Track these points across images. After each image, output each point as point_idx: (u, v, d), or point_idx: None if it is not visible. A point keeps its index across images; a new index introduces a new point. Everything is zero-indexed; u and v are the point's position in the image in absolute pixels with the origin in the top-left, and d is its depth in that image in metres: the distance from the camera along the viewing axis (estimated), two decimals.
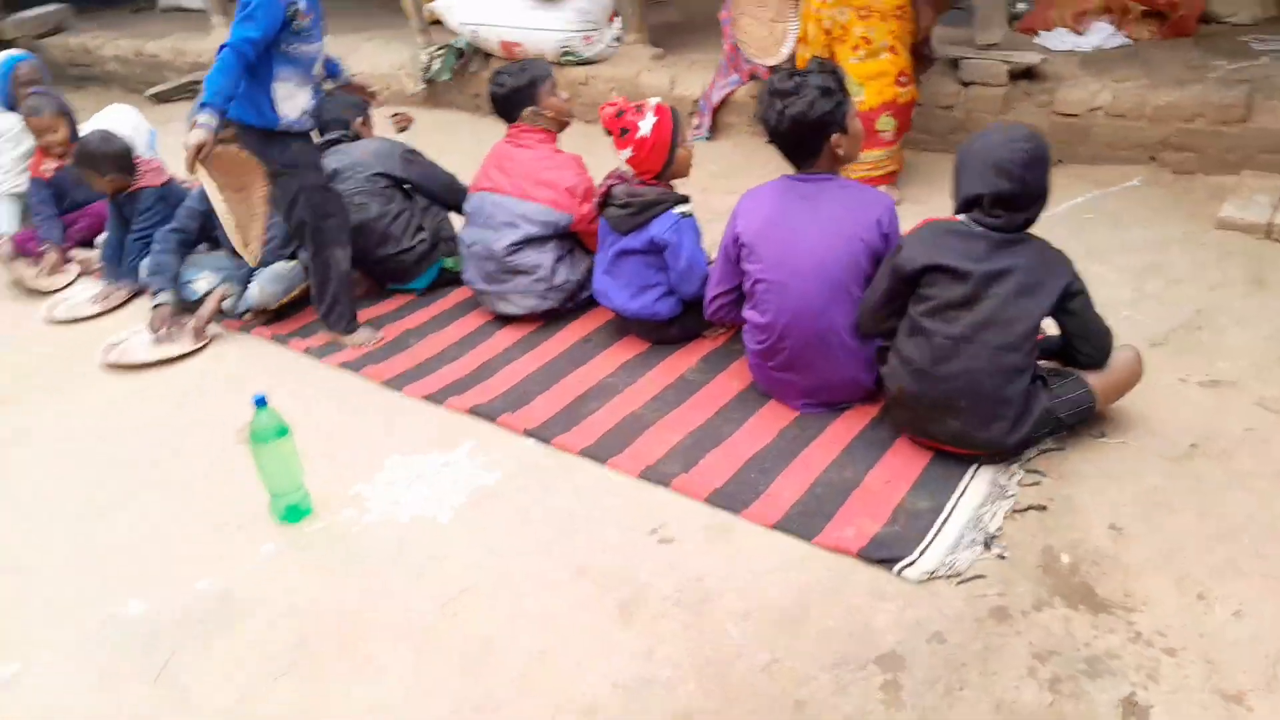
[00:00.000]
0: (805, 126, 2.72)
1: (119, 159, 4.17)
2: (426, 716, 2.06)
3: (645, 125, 3.16)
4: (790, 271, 2.75)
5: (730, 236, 2.89)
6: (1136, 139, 4.23)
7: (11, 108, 4.80)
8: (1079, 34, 4.84)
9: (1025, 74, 4.45)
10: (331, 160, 3.91)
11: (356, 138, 4.11)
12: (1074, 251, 2.57)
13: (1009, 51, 4.51)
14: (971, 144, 2.57)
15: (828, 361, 2.81)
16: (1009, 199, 2.45)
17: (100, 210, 4.53)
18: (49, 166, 4.57)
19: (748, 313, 2.91)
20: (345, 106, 4.09)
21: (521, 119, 3.59)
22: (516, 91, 3.56)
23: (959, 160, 2.58)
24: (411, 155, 3.97)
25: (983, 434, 2.53)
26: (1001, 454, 2.58)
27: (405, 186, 3.96)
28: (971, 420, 2.53)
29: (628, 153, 3.20)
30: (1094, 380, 2.61)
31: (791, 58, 4.63)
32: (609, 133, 3.23)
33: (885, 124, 4.11)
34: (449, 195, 3.99)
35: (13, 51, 5.05)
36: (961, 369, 2.49)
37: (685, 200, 3.26)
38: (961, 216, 2.56)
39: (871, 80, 4.03)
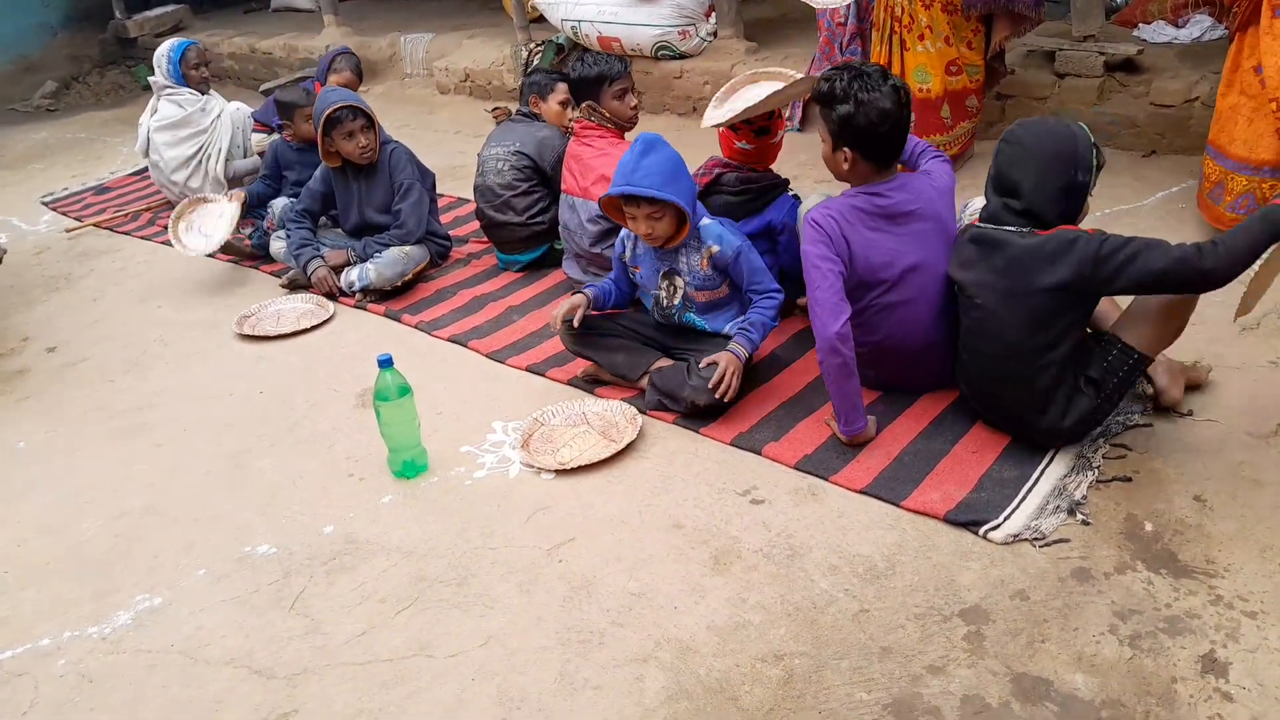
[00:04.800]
0: (905, 118, 2.73)
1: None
2: (533, 645, 2.23)
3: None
4: (899, 295, 2.79)
5: (839, 263, 2.71)
6: None
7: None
8: (1177, 26, 4.81)
9: (1122, 66, 4.45)
10: (499, 130, 4.15)
11: (533, 115, 4.17)
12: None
13: (1105, 43, 4.52)
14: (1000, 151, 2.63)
15: (925, 366, 2.91)
16: (1010, 206, 2.56)
17: None
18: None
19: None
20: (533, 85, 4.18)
21: (580, 112, 3.70)
22: (584, 81, 3.67)
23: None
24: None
25: (1040, 422, 2.57)
26: (1072, 440, 2.61)
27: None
28: (1020, 410, 2.60)
29: (744, 145, 3.28)
30: (1131, 335, 2.51)
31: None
32: (751, 124, 3.22)
33: (945, 110, 4.28)
34: None
35: (179, 38, 5.49)
36: (985, 362, 2.62)
37: (788, 183, 3.39)
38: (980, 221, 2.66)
39: (935, 68, 4.19)
